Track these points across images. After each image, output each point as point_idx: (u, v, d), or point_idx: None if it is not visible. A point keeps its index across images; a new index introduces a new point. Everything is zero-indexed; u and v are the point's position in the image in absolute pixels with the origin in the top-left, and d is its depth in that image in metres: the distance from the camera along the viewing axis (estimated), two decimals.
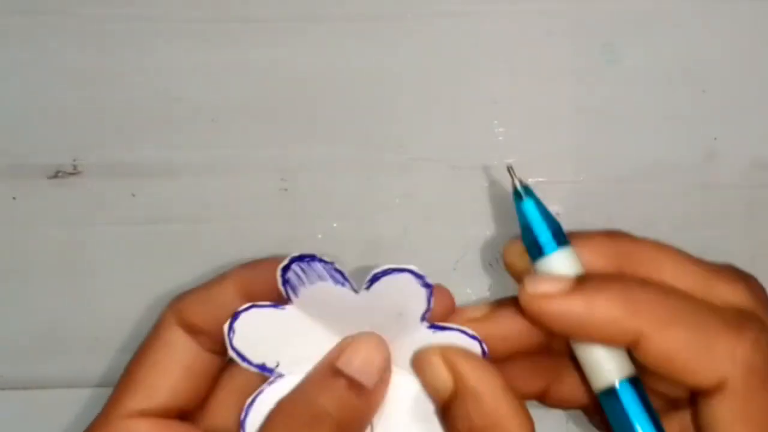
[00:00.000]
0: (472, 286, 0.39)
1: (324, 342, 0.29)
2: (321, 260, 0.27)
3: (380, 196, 0.39)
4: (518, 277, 0.28)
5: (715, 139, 0.39)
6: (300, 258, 0.27)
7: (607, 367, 0.26)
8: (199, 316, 0.29)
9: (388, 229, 0.39)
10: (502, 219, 0.39)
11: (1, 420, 0.38)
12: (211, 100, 0.39)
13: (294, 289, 0.28)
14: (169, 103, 0.39)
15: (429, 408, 0.28)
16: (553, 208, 0.39)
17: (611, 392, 0.25)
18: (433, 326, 0.28)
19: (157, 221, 0.39)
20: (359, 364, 0.27)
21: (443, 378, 0.27)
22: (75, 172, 0.39)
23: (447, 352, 0.27)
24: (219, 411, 0.30)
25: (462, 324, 0.28)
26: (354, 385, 0.27)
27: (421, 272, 0.27)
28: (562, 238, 0.27)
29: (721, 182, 0.39)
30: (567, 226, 0.39)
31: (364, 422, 0.27)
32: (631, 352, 0.26)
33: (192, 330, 0.29)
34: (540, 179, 0.39)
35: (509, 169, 0.27)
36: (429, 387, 0.28)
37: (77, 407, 0.38)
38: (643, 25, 0.40)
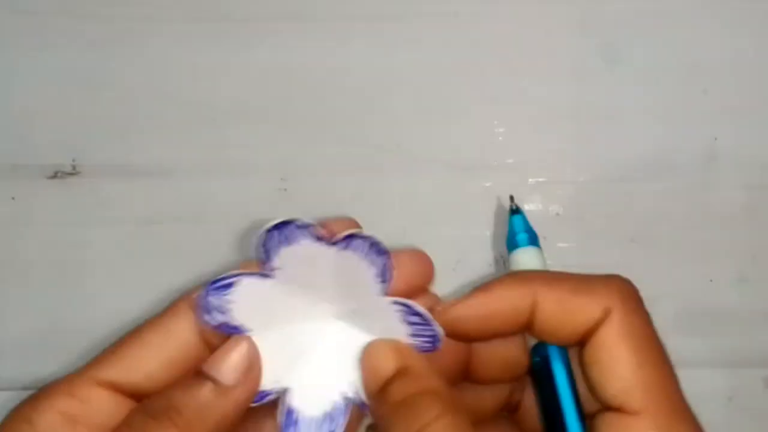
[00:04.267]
0: (472, 286, 0.38)
1: (294, 306, 0.29)
2: (300, 224, 0.28)
3: (380, 196, 0.39)
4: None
5: (715, 139, 0.39)
6: (276, 226, 0.28)
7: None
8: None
9: (388, 229, 0.39)
10: (502, 219, 0.39)
11: (1, 420, 0.38)
12: (211, 100, 0.39)
13: (272, 255, 0.28)
14: (169, 103, 0.39)
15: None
16: (552, 208, 0.39)
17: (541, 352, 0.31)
18: (396, 301, 0.29)
19: (157, 221, 0.39)
20: (223, 365, 0.28)
21: (390, 358, 0.29)
22: (74, 172, 0.39)
23: (396, 344, 0.29)
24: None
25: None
26: (214, 383, 0.27)
27: (378, 240, 0.28)
28: (535, 243, 0.34)
29: (721, 182, 0.39)
30: (567, 226, 0.39)
31: (223, 418, 0.28)
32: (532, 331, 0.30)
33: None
34: (540, 179, 0.39)
35: (511, 197, 0.35)
36: (372, 368, 0.29)
37: None
38: (643, 25, 0.40)
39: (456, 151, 0.39)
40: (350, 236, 0.28)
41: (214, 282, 0.28)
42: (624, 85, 0.40)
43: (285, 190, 0.39)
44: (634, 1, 0.40)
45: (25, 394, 0.35)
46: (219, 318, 0.28)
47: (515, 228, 0.34)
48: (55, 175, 0.39)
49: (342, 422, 0.29)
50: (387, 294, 0.29)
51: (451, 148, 0.39)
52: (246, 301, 0.29)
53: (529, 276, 0.30)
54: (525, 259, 0.33)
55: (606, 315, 0.28)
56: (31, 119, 0.39)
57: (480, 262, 0.39)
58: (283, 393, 0.29)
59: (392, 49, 0.39)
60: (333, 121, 0.39)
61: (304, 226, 0.28)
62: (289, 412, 0.29)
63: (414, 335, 0.29)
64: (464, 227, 0.39)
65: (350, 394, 0.30)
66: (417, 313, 0.29)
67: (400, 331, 0.29)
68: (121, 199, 0.39)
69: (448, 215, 0.39)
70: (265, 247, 0.28)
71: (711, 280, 0.39)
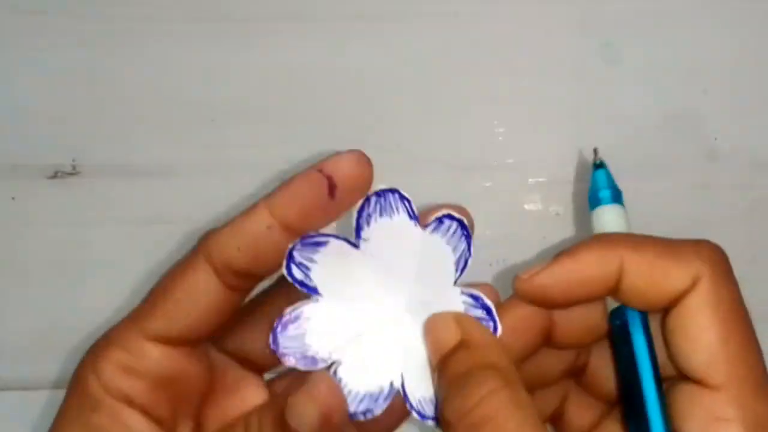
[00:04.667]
0: (472, 286, 0.38)
1: (376, 278, 0.30)
2: (401, 194, 0.29)
3: None
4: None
5: (715, 139, 0.39)
6: (380, 193, 0.29)
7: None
8: (228, 249, 0.29)
9: None
10: (502, 219, 0.39)
11: (1, 420, 0.38)
12: (211, 100, 0.39)
13: (365, 225, 0.29)
14: (169, 103, 0.39)
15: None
16: (552, 209, 0.39)
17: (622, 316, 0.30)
18: (464, 291, 0.30)
19: (157, 221, 0.39)
20: (297, 417, 0.28)
21: (452, 331, 0.29)
22: (74, 172, 0.39)
23: (459, 316, 0.29)
24: (244, 334, 0.31)
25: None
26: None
27: (467, 223, 0.30)
28: (618, 200, 0.32)
29: (721, 182, 0.39)
30: (567, 226, 0.39)
31: None
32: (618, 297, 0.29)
33: (220, 267, 0.29)
34: (540, 179, 0.39)
35: (595, 150, 0.34)
36: (434, 340, 0.29)
37: None
38: (643, 25, 0.40)
39: (456, 151, 0.39)
40: (442, 217, 0.29)
41: (305, 237, 0.28)
42: (624, 85, 0.40)
43: None
44: (634, 1, 0.40)
45: (24, 394, 0.35)
46: (298, 275, 0.29)
47: (598, 183, 0.33)
48: (55, 175, 0.39)
49: (383, 405, 0.29)
50: (457, 282, 0.30)
51: (451, 148, 0.39)
52: (327, 265, 0.29)
53: (615, 239, 0.29)
54: (608, 217, 0.32)
55: (695, 283, 0.27)
56: (31, 119, 0.39)
57: (480, 262, 0.39)
58: (335, 364, 0.30)
59: (392, 49, 0.39)
60: (333, 121, 0.39)
61: (405, 199, 0.29)
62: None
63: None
64: None
65: (397, 384, 0.30)
66: (484, 306, 0.30)
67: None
68: (121, 199, 0.39)
69: None
70: (360, 213, 0.29)
71: None
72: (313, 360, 0.29)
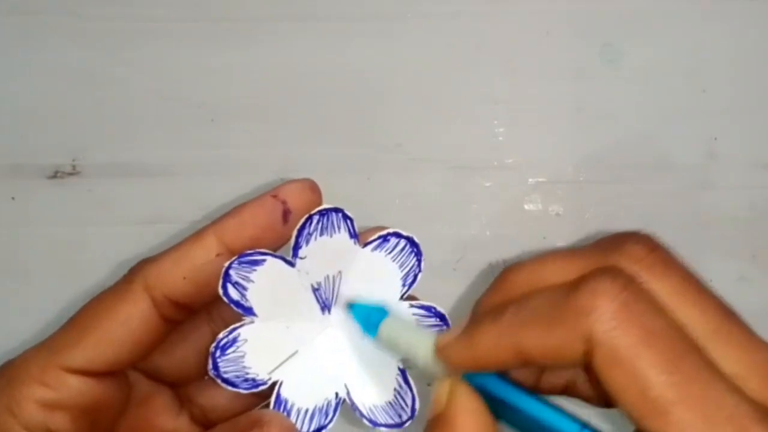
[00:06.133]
0: (473, 286, 0.39)
1: (313, 297, 0.30)
2: (344, 214, 0.29)
3: (380, 196, 0.39)
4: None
5: (715, 139, 0.39)
6: (321, 212, 0.29)
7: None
8: (172, 279, 0.29)
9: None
10: (502, 219, 0.39)
11: None
12: (211, 100, 0.39)
13: (304, 242, 0.29)
14: (169, 103, 0.39)
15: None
16: (552, 208, 0.39)
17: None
18: (413, 305, 0.30)
19: (157, 221, 0.39)
20: None
21: (441, 399, 0.28)
22: (74, 172, 0.39)
23: (455, 381, 0.28)
24: (173, 355, 0.31)
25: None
26: None
27: (416, 240, 0.30)
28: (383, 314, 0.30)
29: (721, 182, 0.39)
30: (567, 226, 0.39)
31: None
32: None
33: (160, 297, 0.29)
34: (540, 179, 0.39)
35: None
36: (434, 399, 0.28)
37: None
38: (643, 25, 0.40)
39: (456, 151, 0.39)
40: (387, 235, 0.29)
41: (242, 256, 0.28)
42: (624, 85, 0.40)
43: None
44: (634, 1, 0.40)
45: None
46: (234, 295, 0.29)
47: (362, 313, 0.31)
48: (55, 175, 0.39)
49: (333, 418, 0.30)
50: (404, 297, 0.30)
51: (451, 148, 0.39)
52: (263, 284, 0.29)
53: (503, 322, 0.26)
54: (395, 325, 0.30)
55: (588, 348, 0.24)
56: (31, 119, 0.39)
57: (480, 262, 0.39)
58: (277, 384, 0.29)
59: (392, 49, 0.39)
60: (333, 121, 0.39)
61: (347, 218, 0.29)
62: (280, 403, 0.29)
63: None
64: (464, 227, 0.39)
65: (343, 394, 0.30)
66: (437, 314, 0.30)
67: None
68: (121, 199, 0.39)
69: (448, 215, 0.39)
70: (300, 232, 0.29)
71: (711, 280, 0.39)
72: (254, 382, 0.29)
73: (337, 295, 0.30)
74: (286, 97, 0.39)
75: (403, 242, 0.30)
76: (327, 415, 0.30)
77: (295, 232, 0.29)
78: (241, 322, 0.29)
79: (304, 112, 0.39)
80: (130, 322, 0.28)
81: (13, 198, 0.39)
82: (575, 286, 0.25)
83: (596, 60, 0.40)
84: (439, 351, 0.28)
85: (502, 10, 0.40)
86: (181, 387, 0.32)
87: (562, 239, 0.39)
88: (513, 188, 0.39)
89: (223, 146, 0.39)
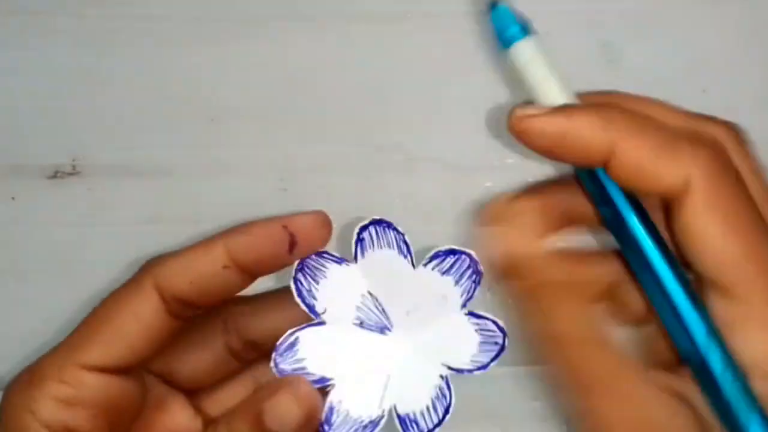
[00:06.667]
0: None
1: (368, 303, 0.31)
2: (395, 229, 0.30)
3: (380, 196, 0.39)
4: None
5: None
6: (379, 221, 0.30)
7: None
8: (180, 281, 0.29)
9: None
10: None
11: None
12: (211, 100, 0.39)
13: (363, 250, 0.30)
14: (169, 103, 0.39)
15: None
16: None
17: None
18: (470, 313, 0.31)
19: (157, 221, 0.39)
20: (279, 418, 0.29)
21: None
22: (74, 172, 0.39)
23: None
24: (170, 355, 0.32)
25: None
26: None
27: (477, 258, 0.30)
28: (528, 30, 0.29)
29: None
30: None
31: None
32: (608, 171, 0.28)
33: (168, 297, 0.29)
34: (540, 179, 0.39)
35: None
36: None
37: None
38: (643, 25, 0.40)
39: (456, 151, 0.39)
40: (446, 252, 0.30)
41: (307, 260, 0.30)
42: (624, 85, 0.39)
43: (285, 190, 0.39)
44: (634, 1, 0.40)
45: None
46: (306, 297, 0.30)
47: (504, 20, 0.29)
48: (55, 175, 0.39)
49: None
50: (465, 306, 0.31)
51: (451, 148, 0.39)
52: (328, 288, 0.30)
53: (613, 117, 0.27)
54: (529, 55, 0.29)
55: (687, 185, 0.26)
56: (31, 119, 0.39)
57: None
58: (330, 387, 0.30)
59: (392, 49, 0.39)
60: (333, 121, 0.39)
61: (400, 234, 0.31)
62: (332, 408, 0.30)
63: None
64: (464, 227, 0.39)
65: (388, 406, 0.30)
66: (499, 328, 0.30)
67: (470, 343, 0.31)
68: (121, 199, 0.39)
69: (448, 215, 0.39)
70: (360, 241, 0.30)
71: None
72: (322, 380, 0.30)
73: (390, 310, 0.31)
74: (286, 97, 0.39)
75: (461, 258, 0.30)
76: (369, 428, 0.30)
77: (353, 242, 0.30)
78: (305, 324, 0.30)
79: (304, 112, 0.39)
80: (141, 317, 0.29)
81: (13, 198, 0.39)
82: (693, 134, 0.27)
83: (596, 60, 0.40)
84: (520, 118, 0.28)
85: None
86: (194, 393, 0.33)
87: (561, 239, 0.39)
88: (513, 188, 0.39)
89: (223, 146, 0.39)
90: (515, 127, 0.28)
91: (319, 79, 0.39)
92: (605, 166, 0.27)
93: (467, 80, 0.39)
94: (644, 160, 0.26)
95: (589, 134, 0.27)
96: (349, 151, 0.39)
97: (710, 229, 0.26)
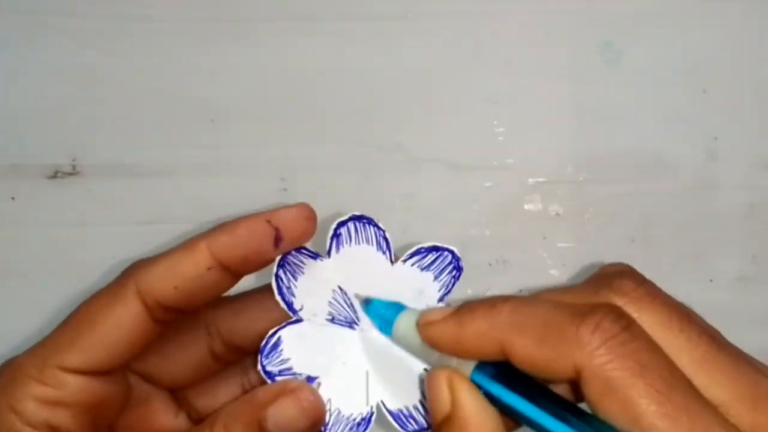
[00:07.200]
0: (472, 286, 0.39)
1: (338, 298, 0.31)
2: (376, 225, 0.30)
3: (380, 196, 0.39)
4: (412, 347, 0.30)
5: (716, 139, 0.39)
6: (359, 217, 0.30)
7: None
8: (164, 287, 0.29)
9: (388, 229, 0.39)
10: (502, 219, 0.39)
11: None
12: (211, 100, 0.39)
13: (339, 245, 0.30)
14: (169, 103, 0.39)
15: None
16: (552, 208, 0.39)
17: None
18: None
19: (157, 221, 0.39)
20: (283, 427, 0.29)
21: (444, 398, 0.28)
22: (74, 172, 0.39)
23: (453, 377, 0.28)
24: (152, 356, 0.32)
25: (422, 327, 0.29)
26: None
27: (459, 254, 0.30)
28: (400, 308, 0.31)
29: (721, 182, 0.39)
30: (567, 225, 0.39)
31: None
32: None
33: (151, 302, 0.29)
34: (540, 179, 0.39)
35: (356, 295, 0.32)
36: (431, 402, 0.29)
37: None
38: (643, 25, 0.40)
39: (456, 151, 0.39)
40: (429, 249, 0.30)
41: (287, 256, 0.30)
42: (624, 85, 0.40)
43: (285, 190, 0.39)
44: (634, 1, 0.40)
45: None
46: (287, 296, 0.30)
47: (380, 308, 0.31)
48: (55, 175, 0.39)
49: (367, 428, 0.30)
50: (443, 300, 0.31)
51: (451, 148, 0.39)
52: (307, 286, 0.30)
53: (499, 316, 0.27)
54: (408, 324, 0.30)
55: (579, 373, 0.25)
56: (31, 119, 0.39)
57: (480, 262, 0.39)
58: (317, 385, 0.30)
59: (392, 49, 0.39)
60: (333, 121, 0.39)
61: (380, 230, 0.30)
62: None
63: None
64: (464, 227, 0.39)
65: (375, 402, 0.30)
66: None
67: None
68: (121, 199, 0.39)
69: (448, 215, 0.39)
70: (337, 236, 0.30)
71: (711, 280, 0.39)
72: (310, 379, 0.30)
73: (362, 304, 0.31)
74: (286, 97, 0.39)
75: (435, 254, 0.30)
76: (361, 426, 0.30)
77: (329, 237, 0.30)
78: (286, 323, 0.30)
79: (304, 112, 0.39)
80: (122, 324, 0.29)
81: (13, 198, 0.39)
82: (575, 315, 0.26)
83: (596, 60, 0.40)
84: (423, 326, 0.28)
85: (502, 10, 0.40)
86: (179, 390, 0.33)
87: (562, 239, 0.39)
88: (513, 188, 0.39)
89: (223, 146, 0.39)
90: (421, 333, 0.29)
91: (319, 79, 0.39)
92: (508, 360, 0.27)
93: (467, 80, 0.39)
94: (534, 355, 0.26)
95: (478, 339, 0.28)
96: (349, 151, 0.39)
97: (612, 412, 0.25)
